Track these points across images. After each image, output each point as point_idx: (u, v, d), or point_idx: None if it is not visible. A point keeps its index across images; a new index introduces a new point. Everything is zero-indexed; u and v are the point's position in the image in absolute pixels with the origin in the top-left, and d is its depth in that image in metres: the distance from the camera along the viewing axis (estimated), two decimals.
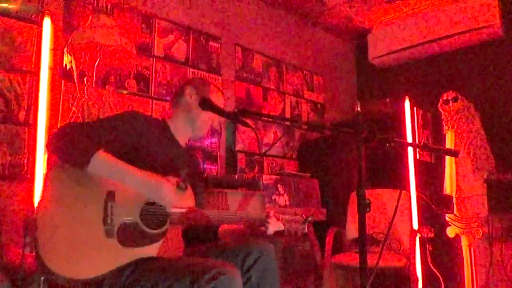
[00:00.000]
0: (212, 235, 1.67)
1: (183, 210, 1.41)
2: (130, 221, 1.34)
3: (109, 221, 1.29)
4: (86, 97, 2.64)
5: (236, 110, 1.48)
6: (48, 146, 1.35)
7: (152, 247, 1.36)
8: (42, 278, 1.28)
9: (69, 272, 1.22)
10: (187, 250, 1.57)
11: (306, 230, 1.52)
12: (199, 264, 1.27)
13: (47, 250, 1.22)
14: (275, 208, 2.83)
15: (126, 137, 1.46)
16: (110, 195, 1.32)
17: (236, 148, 3.44)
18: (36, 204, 1.30)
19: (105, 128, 1.43)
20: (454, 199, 3.24)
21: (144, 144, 1.50)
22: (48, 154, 2.17)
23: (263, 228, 1.51)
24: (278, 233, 1.59)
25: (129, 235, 1.32)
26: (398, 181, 3.34)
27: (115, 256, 1.29)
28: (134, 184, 1.34)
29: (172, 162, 1.58)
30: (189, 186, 1.50)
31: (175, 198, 1.38)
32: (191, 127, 1.68)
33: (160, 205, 1.39)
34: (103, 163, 1.30)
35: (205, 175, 3.01)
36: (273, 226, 1.53)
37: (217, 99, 1.69)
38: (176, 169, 1.56)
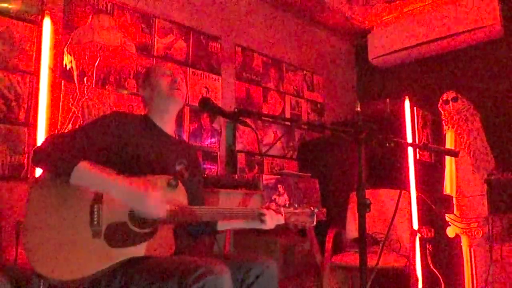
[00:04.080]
0: (209, 229, 1.65)
1: (174, 208, 1.39)
2: (118, 221, 1.34)
3: (95, 222, 1.30)
4: (86, 97, 2.64)
5: (236, 110, 1.48)
6: (32, 159, 1.34)
7: (141, 246, 1.35)
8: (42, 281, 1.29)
9: (56, 274, 1.23)
10: (180, 250, 1.54)
11: (315, 223, 1.48)
12: (186, 263, 1.25)
13: (34, 253, 1.23)
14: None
15: (110, 139, 1.45)
16: (97, 197, 1.33)
17: (236, 148, 3.44)
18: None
19: (88, 135, 1.42)
20: (454, 199, 3.24)
21: (131, 143, 1.48)
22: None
23: (261, 222, 1.49)
24: (282, 227, 1.54)
25: (116, 235, 1.32)
26: (398, 181, 3.34)
27: (102, 256, 1.29)
28: (118, 195, 1.32)
29: (163, 156, 1.55)
30: (180, 183, 1.47)
31: (163, 206, 1.35)
32: (166, 105, 1.63)
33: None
34: (84, 174, 1.29)
35: (205, 175, 3.01)
36: (272, 219, 1.50)
37: (163, 71, 1.65)
38: (170, 163, 1.53)
